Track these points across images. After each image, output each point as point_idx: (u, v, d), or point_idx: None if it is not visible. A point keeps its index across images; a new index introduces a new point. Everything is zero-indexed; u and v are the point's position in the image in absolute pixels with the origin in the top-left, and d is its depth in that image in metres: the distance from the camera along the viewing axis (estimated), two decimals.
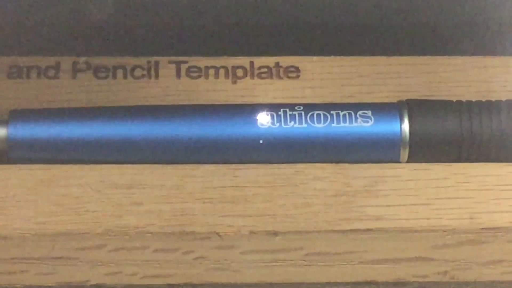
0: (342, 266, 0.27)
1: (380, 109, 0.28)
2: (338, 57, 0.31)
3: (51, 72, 0.30)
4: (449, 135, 0.28)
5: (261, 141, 0.28)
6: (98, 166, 0.28)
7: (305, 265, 0.27)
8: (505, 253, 0.27)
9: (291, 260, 0.27)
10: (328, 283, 0.28)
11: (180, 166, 0.28)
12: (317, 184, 0.28)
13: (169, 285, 0.27)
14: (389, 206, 0.27)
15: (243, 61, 0.30)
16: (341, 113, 0.28)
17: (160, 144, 0.28)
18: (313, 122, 0.28)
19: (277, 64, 0.30)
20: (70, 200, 0.27)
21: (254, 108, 0.28)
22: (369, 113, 0.28)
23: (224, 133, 0.28)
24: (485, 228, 0.27)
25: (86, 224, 0.26)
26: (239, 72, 0.30)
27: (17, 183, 0.27)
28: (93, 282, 0.27)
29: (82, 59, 0.30)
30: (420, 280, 0.28)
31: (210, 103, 0.29)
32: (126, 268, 0.27)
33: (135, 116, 0.28)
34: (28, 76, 0.30)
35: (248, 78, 0.30)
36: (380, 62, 0.30)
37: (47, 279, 0.27)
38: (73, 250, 0.26)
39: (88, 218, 0.27)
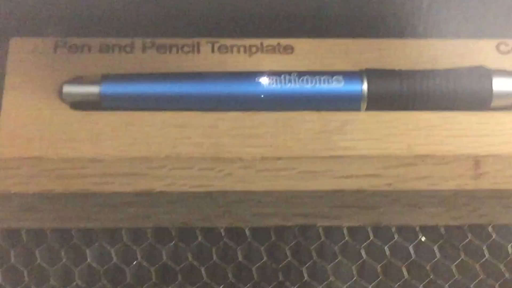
0: (323, 180, 0.29)
1: (348, 75, 0.31)
2: (322, 39, 0.32)
3: (128, 49, 0.32)
4: (394, 92, 0.30)
5: (262, 96, 0.30)
6: (162, 112, 0.30)
7: (299, 179, 0.29)
8: (430, 172, 0.29)
9: (289, 176, 0.29)
10: (313, 191, 0.29)
11: (214, 113, 0.30)
12: (306, 125, 0.30)
13: (207, 192, 0.29)
14: (353, 140, 0.30)
15: (256, 41, 0.32)
16: (322, 78, 0.30)
17: (202, 97, 0.30)
18: (302, 83, 0.30)
19: (278, 44, 0.32)
20: (142, 135, 0.29)
21: (263, 73, 0.30)
22: (341, 77, 0.30)
23: (243, 90, 0.30)
24: (418, 155, 0.30)
25: (153, 152, 0.29)
26: (253, 49, 0.32)
27: (107, 123, 0.30)
28: (157, 190, 0.29)
29: (148, 40, 0.32)
30: (374, 189, 0.29)
31: (234, 70, 0.31)
32: (179, 181, 0.29)
33: (186, 79, 0.31)
34: (112, 51, 0.32)
35: (259, 53, 0.32)
36: (349, 43, 0.32)
37: (127, 188, 0.29)
38: (145, 169, 0.29)
39: (154, 147, 0.29)
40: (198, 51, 0.32)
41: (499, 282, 0.30)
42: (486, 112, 0.31)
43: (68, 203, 0.29)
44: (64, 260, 0.30)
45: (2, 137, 0.29)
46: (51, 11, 0.33)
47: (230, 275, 0.30)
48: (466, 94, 0.30)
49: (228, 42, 0.32)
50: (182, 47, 0.32)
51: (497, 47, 0.33)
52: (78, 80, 0.30)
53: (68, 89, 0.30)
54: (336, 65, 0.31)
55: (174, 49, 0.32)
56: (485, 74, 0.31)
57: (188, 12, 0.33)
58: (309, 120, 0.30)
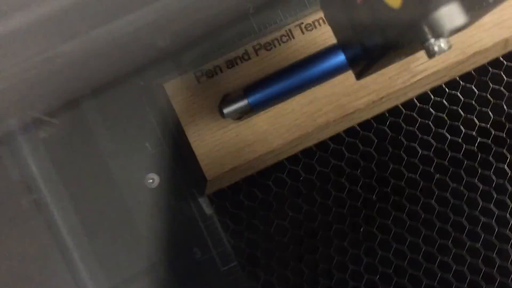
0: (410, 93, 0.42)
1: None
2: None
3: (246, 56, 0.40)
4: None
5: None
6: (293, 99, 0.39)
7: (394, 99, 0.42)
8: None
9: (388, 101, 0.42)
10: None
11: (327, 83, 0.39)
12: None
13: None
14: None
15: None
16: None
17: (315, 77, 0.37)
18: None
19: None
20: (290, 121, 0.40)
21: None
22: None
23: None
24: (471, 55, 0.41)
25: (302, 130, 0.40)
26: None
27: (263, 123, 0.40)
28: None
29: (255, 43, 0.39)
30: (439, 83, 0.43)
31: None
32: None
33: (300, 67, 0.37)
34: (236, 63, 0.39)
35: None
36: None
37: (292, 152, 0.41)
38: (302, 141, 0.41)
39: (300, 125, 0.40)
40: (293, 36, 0.40)
41: None
42: None
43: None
44: None
45: (204, 164, 0.40)
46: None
47: None
48: None
49: (309, 19, 0.40)
50: (281, 37, 0.40)
51: None
52: (229, 100, 0.38)
53: (227, 110, 0.38)
54: None
55: (276, 42, 0.40)
56: None
57: None
58: None
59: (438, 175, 0.45)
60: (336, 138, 0.44)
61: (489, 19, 0.41)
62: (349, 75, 0.38)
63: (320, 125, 0.41)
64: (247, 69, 0.40)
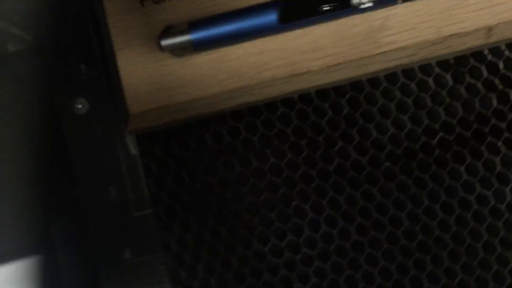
0: (373, 66, 0.38)
1: None
2: None
3: None
4: None
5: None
6: (242, 45, 0.35)
7: (355, 71, 0.38)
8: (452, 43, 0.38)
9: (348, 71, 0.38)
10: (365, 74, 0.38)
11: (282, 35, 0.36)
12: (355, 29, 0.37)
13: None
14: (394, 34, 0.37)
15: None
16: None
17: (269, 25, 0.35)
18: None
19: None
20: (233, 68, 0.36)
21: None
22: None
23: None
24: (447, 36, 0.37)
25: (244, 81, 0.36)
26: None
27: (204, 64, 0.36)
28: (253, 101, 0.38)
29: None
30: (407, 63, 0.38)
31: None
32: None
33: (255, 11, 0.35)
34: None
35: None
36: None
37: (230, 104, 0.37)
38: (241, 93, 0.37)
39: (244, 77, 0.36)
40: None
41: None
42: None
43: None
44: None
45: (129, 96, 0.36)
46: None
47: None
48: None
49: None
50: None
51: None
52: (170, 32, 0.35)
53: (164, 42, 0.34)
54: None
55: None
56: None
57: None
58: (357, 23, 0.36)
59: (388, 163, 0.41)
60: (287, 103, 0.41)
61: (475, 0, 0.37)
62: (307, 31, 0.36)
63: (265, 79, 0.37)
64: (199, 2, 0.36)
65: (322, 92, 0.40)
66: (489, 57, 0.41)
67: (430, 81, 0.41)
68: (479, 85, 0.41)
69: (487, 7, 0.37)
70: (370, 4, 0.33)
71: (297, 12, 0.34)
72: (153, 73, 0.36)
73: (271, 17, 0.35)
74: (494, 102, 0.41)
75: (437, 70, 0.41)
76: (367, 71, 0.38)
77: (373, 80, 0.41)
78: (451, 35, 0.37)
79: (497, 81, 0.41)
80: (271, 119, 0.40)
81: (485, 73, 0.41)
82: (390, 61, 0.38)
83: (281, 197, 0.40)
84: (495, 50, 0.41)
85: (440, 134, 0.41)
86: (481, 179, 0.40)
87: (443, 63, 0.41)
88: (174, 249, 0.40)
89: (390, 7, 0.36)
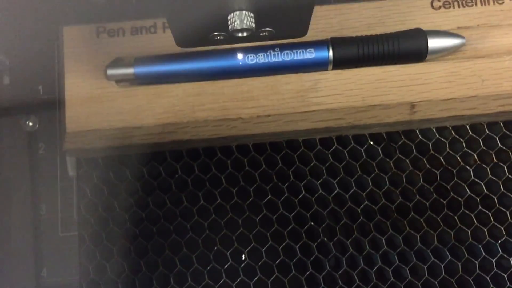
0: (302, 123, 0.39)
1: (318, 44, 0.38)
2: None
3: (152, 29, 0.39)
4: (352, 55, 0.38)
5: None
6: (182, 84, 0.38)
7: (284, 126, 0.39)
8: (378, 113, 0.39)
9: (276, 125, 0.38)
10: (293, 131, 0.39)
11: (220, 82, 0.38)
12: (287, 86, 0.38)
13: (222, 137, 0.39)
14: (323, 96, 0.38)
15: None
16: (298, 50, 0.38)
17: (210, 70, 0.38)
18: (284, 56, 0.38)
19: None
20: (170, 104, 0.38)
21: (253, 49, 0.38)
22: (312, 49, 0.38)
23: (239, 63, 0.38)
24: (370, 105, 0.38)
25: (178, 118, 0.38)
26: None
27: (144, 96, 0.38)
28: (185, 139, 0.40)
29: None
30: (338, 126, 0.39)
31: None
32: (199, 134, 0.39)
33: (197, 57, 0.38)
34: (141, 33, 0.39)
35: None
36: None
37: (163, 140, 0.38)
38: (174, 129, 0.38)
39: (179, 114, 0.38)
40: None
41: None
42: (421, 64, 0.39)
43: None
44: None
45: (69, 116, 0.39)
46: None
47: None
48: (408, 51, 0.39)
49: None
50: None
51: (431, 3, 0.40)
52: (117, 63, 0.38)
53: (110, 72, 0.38)
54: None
55: None
56: (422, 35, 0.39)
57: None
58: (290, 82, 0.38)
59: (312, 223, 0.42)
60: (225, 150, 0.42)
61: (400, 78, 0.39)
62: (244, 82, 0.38)
63: (198, 119, 0.39)
64: (149, 42, 0.39)
65: (259, 146, 0.42)
66: (419, 137, 0.42)
67: (362, 151, 0.42)
68: (407, 162, 0.42)
69: (410, 85, 0.39)
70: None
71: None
72: (96, 98, 0.38)
73: (206, 64, 0.38)
74: (420, 180, 0.42)
75: (369, 142, 0.42)
76: (296, 127, 0.39)
77: (308, 141, 0.42)
78: (375, 105, 0.39)
79: (424, 161, 0.42)
80: (207, 163, 0.42)
81: (413, 151, 0.42)
82: (318, 122, 0.39)
83: (204, 239, 0.41)
84: (423, 131, 0.42)
85: (365, 203, 0.42)
86: (398, 253, 0.41)
87: (375, 135, 0.42)
88: (91, 275, 0.40)
89: (322, 72, 0.38)
